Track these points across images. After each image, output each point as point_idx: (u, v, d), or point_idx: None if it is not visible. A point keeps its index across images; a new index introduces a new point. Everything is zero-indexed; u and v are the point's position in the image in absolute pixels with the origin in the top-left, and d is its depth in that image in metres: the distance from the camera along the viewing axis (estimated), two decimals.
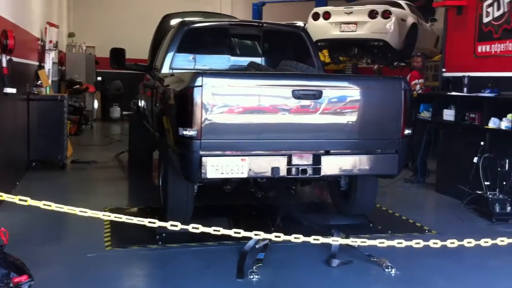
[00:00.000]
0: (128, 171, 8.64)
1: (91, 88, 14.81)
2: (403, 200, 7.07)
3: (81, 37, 16.55)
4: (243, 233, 3.08)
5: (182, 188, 5.10)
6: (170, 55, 6.22)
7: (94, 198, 6.60)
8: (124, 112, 16.04)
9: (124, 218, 2.96)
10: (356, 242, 3.25)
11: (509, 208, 5.97)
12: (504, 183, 6.10)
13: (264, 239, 4.59)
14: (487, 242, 3.12)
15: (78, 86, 14.07)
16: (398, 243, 3.05)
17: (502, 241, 3.19)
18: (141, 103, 7.70)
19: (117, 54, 6.98)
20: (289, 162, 4.74)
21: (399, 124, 4.97)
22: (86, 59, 15.62)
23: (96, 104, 15.60)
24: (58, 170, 8.27)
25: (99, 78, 16.66)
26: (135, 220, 2.93)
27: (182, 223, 3.32)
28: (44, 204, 2.99)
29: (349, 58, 12.14)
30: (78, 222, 5.37)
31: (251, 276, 4.19)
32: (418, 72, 9.12)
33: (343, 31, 10.57)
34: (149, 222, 3.01)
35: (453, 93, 6.93)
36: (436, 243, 3.10)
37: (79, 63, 15.23)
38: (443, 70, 7.53)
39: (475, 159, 6.39)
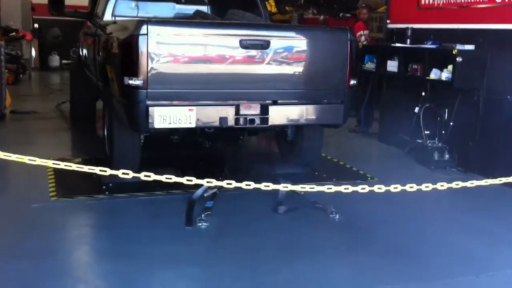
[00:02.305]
0: (70, 122, 8.43)
1: (28, 36, 14.16)
2: (347, 150, 7.24)
3: None
4: (195, 181, 3.10)
5: (128, 138, 5.04)
6: (112, 2, 6.02)
7: (36, 149, 6.40)
8: (64, 61, 15.51)
9: (74, 167, 2.90)
10: (304, 188, 3.33)
11: (447, 156, 6.24)
12: (443, 132, 6.34)
13: (212, 188, 4.65)
14: (428, 187, 3.28)
15: (14, 33, 13.42)
16: (344, 188, 3.16)
17: (442, 185, 3.36)
18: (82, 52, 7.45)
19: (56, 0, 6.68)
20: (237, 112, 4.76)
21: (345, 75, 5.05)
22: (22, 5, 14.83)
23: (33, 53, 14.97)
24: None
25: (36, 25, 15.92)
26: (86, 168, 2.88)
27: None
28: None
29: (295, 8, 12.12)
30: (20, 173, 5.28)
31: (200, 224, 4.25)
32: (363, 24, 9.22)
33: None
34: (100, 170, 2.97)
35: (397, 45, 7.05)
36: (380, 188, 3.23)
37: (14, 9, 14.44)
38: (388, 21, 7.61)
39: (416, 109, 6.59)
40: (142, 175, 3.04)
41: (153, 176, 3.02)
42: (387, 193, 3.51)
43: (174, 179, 3.04)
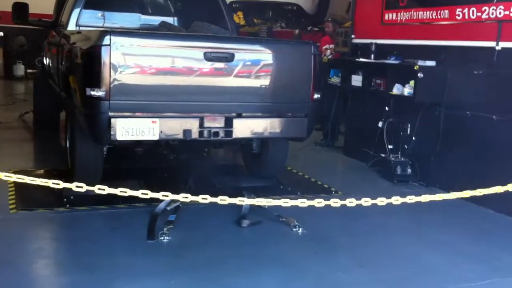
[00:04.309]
0: (34, 132, 8.29)
1: None
2: (313, 163, 7.29)
3: None
4: (150, 194, 3.07)
5: (90, 150, 4.97)
6: (76, 11, 5.96)
7: None
8: (29, 70, 15.24)
9: (26, 179, 2.84)
10: (261, 202, 3.34)
11: (409, 170, 6.33)
12: (406, 146, 6.44)
13: (175, 201, 4.61)
14: (382, 201, 3.33)
15: None
16: (301, 202, 3.18)
17: (396, 200, 3.42)
18: (46, 61, 7.35)
19: (20, 8, 6.62)
20: (201, 125, 4.74)
21: (309, 89, 5.09)
22: None
23: None
24: None
25: (1, 34, 15.65)
26: (38, 181, 2.83)
27: (91, 185, 3.24)
28: None
29: (263, 21, 12.20)
30: None
31: (162, 238, 4.21)
32: (329, 38, 9.33)
33: None
34: (53, 183, 2.91)
35: (361, 60, 7.15)
36: (336, 202, 3.26)
37: None
38: (352, 36, 7.73)
39: (380, 124, 6.68)
40: (96, 188, 2.99)
41: (107, 190, 2.98)
42: (351, 206, 3.53)
43: (129, 192, 3.01)
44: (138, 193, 3.04)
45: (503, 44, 5.39)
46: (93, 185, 3.10)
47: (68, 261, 3.86)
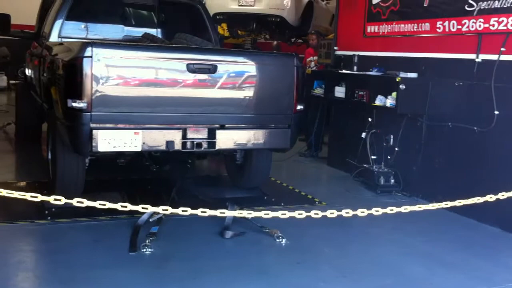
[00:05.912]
0: (16, 144, 8.21)
1: None
2: (297, 174, 7.31)
3: None
4: (129, 207, 3.05)
5: (72, 161, 4.93)
6: (58, 23, 5.94)
7: None
8: (11, 81, 15.15)
9: (4, 192, 2.81)
10: (242, 213, 3.34)
11: (392, 180, 6.37)
12: (389, 157, 6.48)
13: (158, 213, 4.59)
14: (363, 212, 3.34)
15: None
16: (282, 214, 3.18)
17: (377, 211, 3.42)
18: (28, 72, 7.31)
19: (2, 19, 6.57)
20: (184, 136, 4.74)
21: (292, 100, 5.12)
22: None
23: None
24: None
25: None
26: (16, 194, 2.79)
27: (72, 198, 3.22)
28: None
29: (247, 32, 12.24)
30: None
31: (144, 250, 4.18)
32: (313, 49, 9.39)
33: (241, 5, 10.62)
34: (31, 196, 2.88)
35: (344, 71, 7.20)
36: (317, 214, 3.27)
37: None
38: (335, 48, 7.80)
39: (363, 135, 6.73)
40: (75, 201, 2.96)
41: (86, 202, 2.95)
42: (333, 217, 3.54)
43: (108, 205, 2.98)
44: (118, 206, 3.01)
45: (483, 57, 5.46)
46: (74, 197, 3.07)
47: (48, 274, 3.81)
